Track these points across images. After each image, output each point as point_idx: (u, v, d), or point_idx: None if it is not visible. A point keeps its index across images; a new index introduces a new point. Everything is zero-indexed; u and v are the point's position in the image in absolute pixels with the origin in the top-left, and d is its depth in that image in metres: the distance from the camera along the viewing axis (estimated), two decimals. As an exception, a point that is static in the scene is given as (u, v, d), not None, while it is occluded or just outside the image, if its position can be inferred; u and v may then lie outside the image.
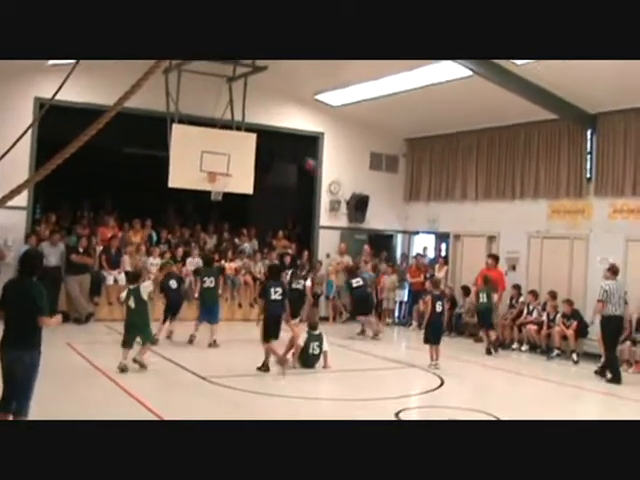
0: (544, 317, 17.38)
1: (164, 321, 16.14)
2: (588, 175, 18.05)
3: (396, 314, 22.39)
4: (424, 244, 23.60)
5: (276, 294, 13.09)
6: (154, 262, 19.46)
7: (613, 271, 14.50)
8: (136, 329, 12.70)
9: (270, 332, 12.98)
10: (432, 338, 14.65)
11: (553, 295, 17.45)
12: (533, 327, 17.41)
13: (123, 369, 12.27)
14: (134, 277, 13.52)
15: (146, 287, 12.95)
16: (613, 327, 14.25)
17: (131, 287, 12.97)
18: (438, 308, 14.77)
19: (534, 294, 18.03)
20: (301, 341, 13.52)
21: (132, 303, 12.68)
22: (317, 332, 13.69)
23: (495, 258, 18.98)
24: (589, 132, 18.02)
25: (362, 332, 18.98)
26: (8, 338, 7.45)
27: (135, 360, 12.56)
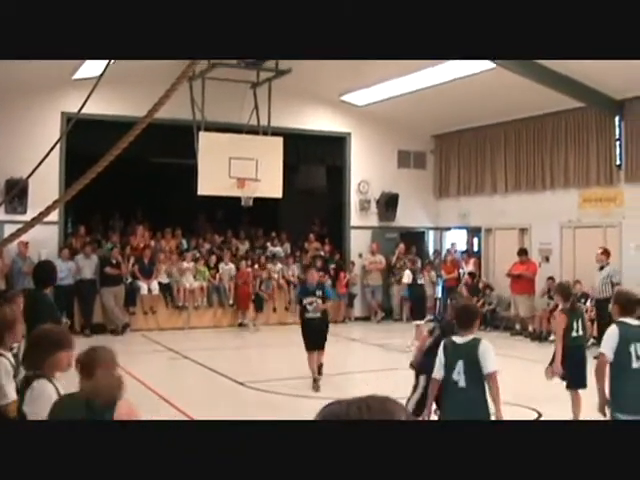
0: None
1: None
2: (618, 162, 17.87)
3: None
4: (455, 240, 23.48)
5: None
6: (188, 266, 19.83)
7: None
8: None
9: None
10: None
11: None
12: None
13: None
14: None
15: None
16: None
17: None
18: None
19: (569, 285, 17.91)
20: None
21: None
22: None
23: (525, 252, 19.08)
24: (617, 118, 17.86)
25: None
26: None
27: None
